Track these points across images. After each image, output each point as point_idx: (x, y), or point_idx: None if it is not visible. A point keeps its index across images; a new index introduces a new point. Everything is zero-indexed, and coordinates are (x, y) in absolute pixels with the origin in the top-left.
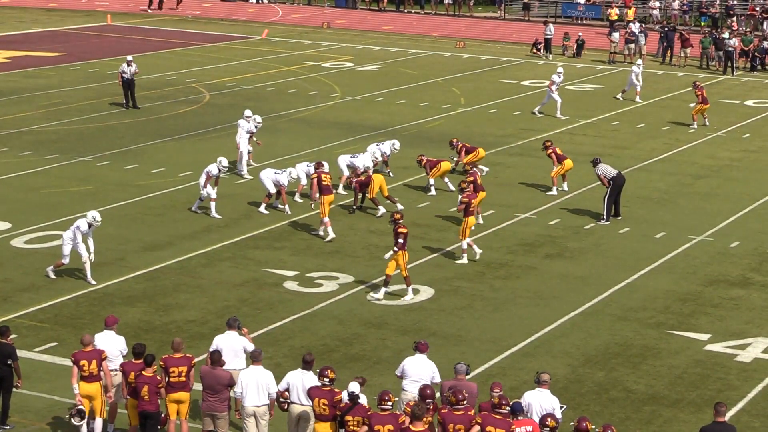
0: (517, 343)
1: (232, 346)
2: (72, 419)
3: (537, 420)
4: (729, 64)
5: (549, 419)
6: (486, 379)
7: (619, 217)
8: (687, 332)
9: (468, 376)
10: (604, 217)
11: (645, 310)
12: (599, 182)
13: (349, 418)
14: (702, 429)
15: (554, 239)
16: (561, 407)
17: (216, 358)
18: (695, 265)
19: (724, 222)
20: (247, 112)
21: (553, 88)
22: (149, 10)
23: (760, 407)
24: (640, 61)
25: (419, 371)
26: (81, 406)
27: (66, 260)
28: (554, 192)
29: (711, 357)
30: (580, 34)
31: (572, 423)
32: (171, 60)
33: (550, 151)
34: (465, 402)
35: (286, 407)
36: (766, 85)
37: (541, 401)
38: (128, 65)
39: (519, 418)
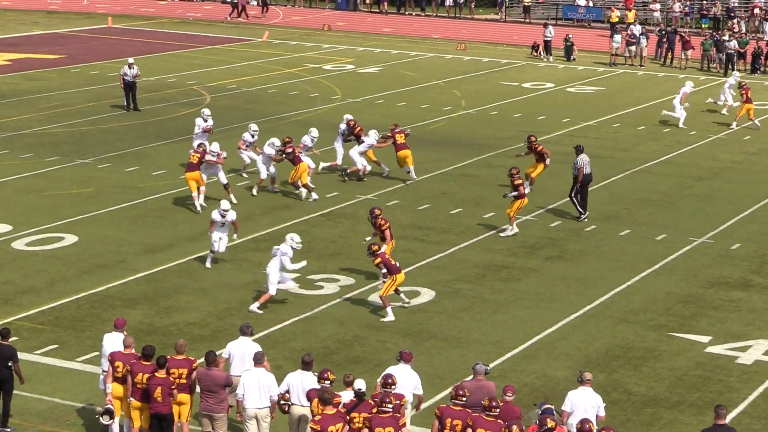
0: (517, 345)
1: (244, 352)
2: (101, 418)
3: (582, 417)
4: (729, 66)
5: (588, 425)
6: None
7: (587, 214)
8: (688, 334)
9: (469, 378)
10: (581, 212)
11: (646, 312)
12: (577, 178)
13: (354, 415)
14: (703, 431)
15: (555, 241)
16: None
17: (211, 358)
18: (696, 267)
19: (725, 224)
20: (253, 126)
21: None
22: (229, 18)
23: (761, 409)
24: (736, 72)
25: (402, 382)
26: (110, 406)
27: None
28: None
29: (712, 359)
30: (570, 35)
31: (573, 423)
32: (172, 62)
33: (541, 147)
34: (465, 399)
35: (287, 409)
36: (766, 87)
37: (584, 400)
38: (129, 68)
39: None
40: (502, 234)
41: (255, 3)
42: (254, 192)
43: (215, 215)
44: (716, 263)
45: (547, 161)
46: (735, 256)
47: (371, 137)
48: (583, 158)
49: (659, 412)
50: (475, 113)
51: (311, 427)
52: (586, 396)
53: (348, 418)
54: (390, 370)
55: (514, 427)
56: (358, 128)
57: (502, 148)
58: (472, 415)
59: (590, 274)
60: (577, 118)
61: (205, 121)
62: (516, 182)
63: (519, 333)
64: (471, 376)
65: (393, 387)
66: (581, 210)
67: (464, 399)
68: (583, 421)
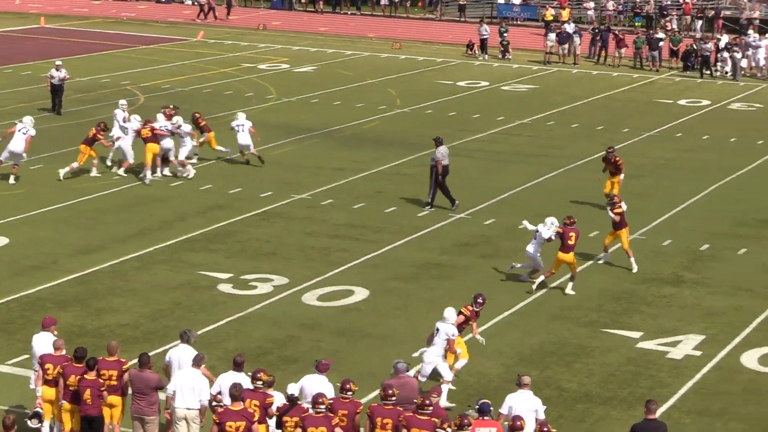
0: None
1: (180, 358)
2: (30, 421)
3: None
4: (705, 68)
5: (520, 422)
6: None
7: (432, 208)
8: (620, 330)
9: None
10: (452, 201)
11: (579, 308)
12: (435, 169)
13: (287, 419)
14: (633, 426)
15: (489, 239)
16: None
17: (144, 360)
18: (629, 264)
19: (657, 221)
20: (123, 102)
21: None
22: (198, 20)
23: (691, 404)
24: None
25: (314, 391)
26: (39, 409)
27: None
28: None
29: (643, 354)
30: (505, 33)
31: (506, 422)
32: (106, 62)
33: (620, 159)
34: (394, 398)
35: (220, 410)
36: (699, 84)
37: (523, 403)
38: (57, 70)
39: (485, 418)
40: (634, 270)
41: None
42: (122, 172)
43: (447, 330)
44: (648, 259)
45: (622, 176)
46: (667, 252)
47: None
48: (442, 150)
49: (591, 408)
50: (410, 112)
51: (212, 419)
52: (524, 399)
53: (255, 418)
54: (305, 379)
55: (448, 424)
56: (203, 122)
57: None
58: (405, 414)
59: (524, 272)
60: (512, 117)
61: (123, 111)
62: (616, 211)
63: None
64: (393, 375)
65: (392, 399)
66: (452, 199)
67: (393, 398)
68: (515, 418)
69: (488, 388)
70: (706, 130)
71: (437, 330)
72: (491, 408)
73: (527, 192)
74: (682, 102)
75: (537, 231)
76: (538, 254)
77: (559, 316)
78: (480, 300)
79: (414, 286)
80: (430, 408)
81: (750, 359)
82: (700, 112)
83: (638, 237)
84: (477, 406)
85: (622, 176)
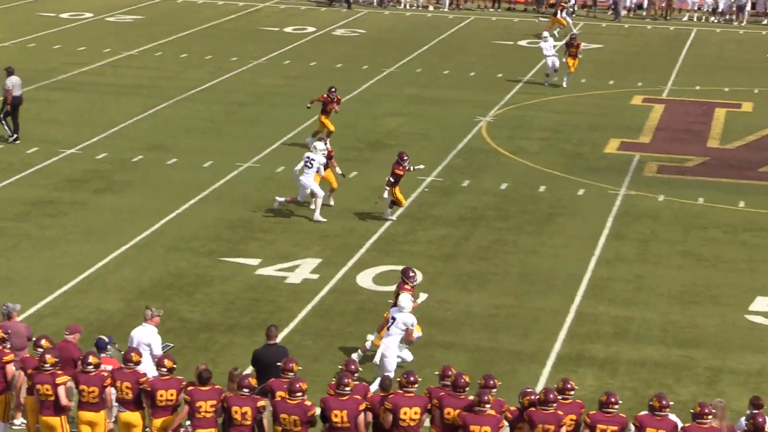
0: (69, 280)
1: None
2: None
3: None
4: None
5: (133, 354)
6: (38, 320)
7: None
8: (238, 258)
9: (19, 318)
10: (11, 134)
11: (197, 239)
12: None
13: None
14: (255, 352)
15: (102, 173)
16: (165, 346)
17: None
18: (244, 192)
19: (269, 148)
20: None
21: (547, 53)
22: None
23: (310, 325)
24: (545, 33)
25: None
26: None
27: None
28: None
29: (262, 281)
30: None
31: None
32: None
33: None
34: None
35: None
36: (303, 11)
37: (141, 336)
38: None
39: (102, 356)
40: (330, 203)
41: None
42: None
43: (405, 320)
44: (264, 187)
45: (337, 107)
46: (280, 178)
47: None
48: (13, 80)
49: (214, 336)
50: (11, 46)
51: None
52: (145, 333)
53: None
54: None
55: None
56: None
57: (43, 80)
58: (25, 358)
59: (140, 204)
60: (119, 48)
61: None
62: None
63: (70, 269)
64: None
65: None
66: (13, 132)
67: None
68: (129, 350)
69: (109, 323)
70: (313, 56)
71: (393, 319)
72: (108, 344)
73: (140, 123)
74: (288, 29)
75: (311, 159)
76: (313, 181)
77: (177, 247)
78: (411, 273)
79: (26, 224)
80: (52, 349)
81: (365, 279)
82: (306, 39)
83: (252, 165)
84: (95, 343)
85: (337, 107)
